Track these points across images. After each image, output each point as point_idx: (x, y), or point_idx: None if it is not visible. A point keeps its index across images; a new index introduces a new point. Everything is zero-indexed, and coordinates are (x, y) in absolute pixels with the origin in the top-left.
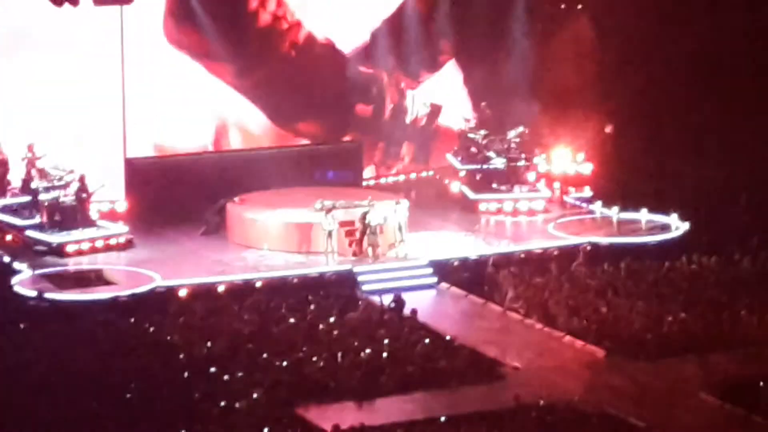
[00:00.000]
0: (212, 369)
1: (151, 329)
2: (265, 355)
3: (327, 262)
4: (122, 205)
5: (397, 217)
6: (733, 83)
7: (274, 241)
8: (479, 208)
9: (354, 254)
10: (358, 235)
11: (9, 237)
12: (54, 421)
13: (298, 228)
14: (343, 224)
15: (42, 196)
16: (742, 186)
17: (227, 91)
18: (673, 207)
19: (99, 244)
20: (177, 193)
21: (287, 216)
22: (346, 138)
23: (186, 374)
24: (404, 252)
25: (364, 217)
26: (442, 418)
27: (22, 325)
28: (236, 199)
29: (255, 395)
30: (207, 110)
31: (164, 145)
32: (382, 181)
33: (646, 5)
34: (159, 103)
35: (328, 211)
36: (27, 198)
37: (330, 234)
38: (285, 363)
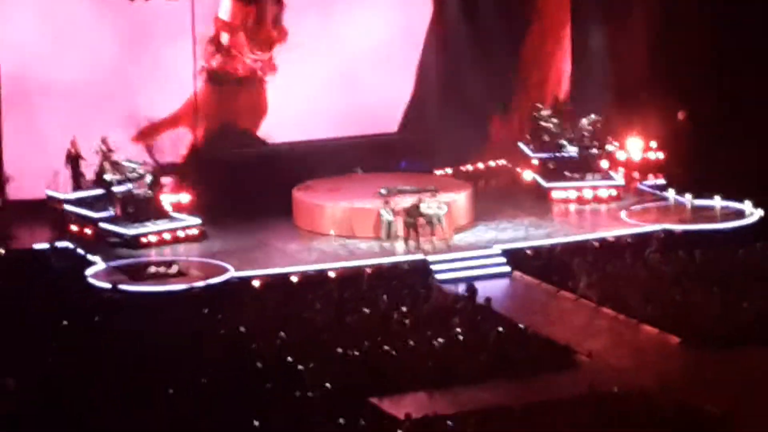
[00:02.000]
0: (286, 359)
1: (225, 320)
2: (338, 347)
3: (389, 250)
4: (190, 197)
5: (435, 208)
6: None
7: (340, 227)
8: (552, 196)
9: (409, 242)
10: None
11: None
12: (129, 411)
13: (364, 214)
14: (401, 212)
15: (115, 189)
16: None
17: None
18: (747, 193)
19: (172, 235)
20: (247, 184)
21: (354, 202)
22: None
23: (259, 364)
24: (446, 244)
25: (415, 206)
26: (516, 407)
27: (96, 318)
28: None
29: (328, 385)
30: (279, 99)
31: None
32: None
33: None
34: (227, 93)
35: (388, 199)
36: (100, 191)
37: (390, 223)
38: (357, 353)
